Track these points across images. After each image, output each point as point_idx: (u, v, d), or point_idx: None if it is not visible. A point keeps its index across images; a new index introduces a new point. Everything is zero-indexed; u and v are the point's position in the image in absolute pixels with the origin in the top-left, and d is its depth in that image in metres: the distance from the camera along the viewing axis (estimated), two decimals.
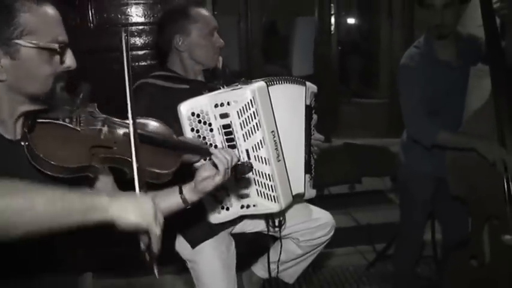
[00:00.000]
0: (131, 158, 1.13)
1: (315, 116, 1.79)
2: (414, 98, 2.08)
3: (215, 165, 1.27)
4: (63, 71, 1.09)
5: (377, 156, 3.12)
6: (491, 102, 1.99)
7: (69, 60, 1.08)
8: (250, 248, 1.95)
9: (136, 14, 2.71)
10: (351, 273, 2.84)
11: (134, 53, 2.74)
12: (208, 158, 1.33)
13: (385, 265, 2.82)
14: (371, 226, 2.92)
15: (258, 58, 3.39)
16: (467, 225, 2.11)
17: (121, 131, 1.16)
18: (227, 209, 1.62)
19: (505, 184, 1.93)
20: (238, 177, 1.33)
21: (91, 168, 1.10)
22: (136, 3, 2.70)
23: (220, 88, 1.66)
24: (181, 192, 1.29)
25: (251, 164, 1.33)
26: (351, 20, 3.94)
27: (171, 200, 1.29)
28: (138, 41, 2.75)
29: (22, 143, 1.07)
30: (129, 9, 2.69)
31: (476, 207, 2.04)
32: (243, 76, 3.22)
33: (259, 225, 1.88)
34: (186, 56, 1.77)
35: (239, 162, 1.31)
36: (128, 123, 1.17)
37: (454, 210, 2.21)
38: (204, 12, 1.79)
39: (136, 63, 2.75)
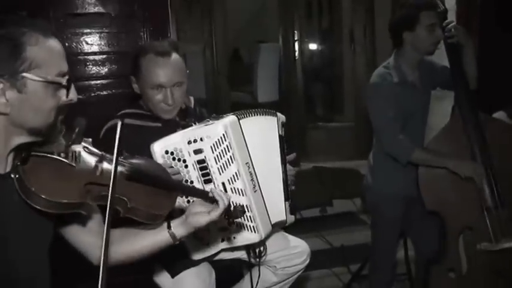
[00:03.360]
0: (125, 197, 1.11)
1: (292, 155, 1.78)
2: (389, 115, 2.13)
3: (212, 201, 1.27)
4: (65, 104, 1.07)
5: (346, 178, 3.17)
6: (452, 123, 2.09)
7: (72, 93, 1.07)
8: (223, 276, 1.91)
9: (100, 43, 2.67)
10: None
11: (99, 82, 2.69)
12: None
13: (361, 286, 2.83)
14: (344, 248, 2.93)
15: (224, 85, 3.41)
16: (439, 241, 2.17)
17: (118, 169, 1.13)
18: (207, 244, 1.61)
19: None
20: (231, 221, 1.34)
21: (84, 205, 1.07)
22: (99, 32, 2.66)
23: (192, 125, 1.65)
24: (169, 227, 1.25)
25: (242, 207, 1.34)
26: (314, 46, 4.05)
27: (159, 235, 1.25)
28: (103, 70, 2.71)
29: (12, 175, 1.03)
30: (92, 38, 2.65)
31: (450, 220, 2.10)
32: (210, 104, 3.25)
33: (237, 253, 1.85)
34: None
35: (231, 207, 1.31)
36: (124, 162, 1.15)
37: (426, 227, 2.27)
38: (153, 63, 1.64)
39: (101, 92, 2.70)
